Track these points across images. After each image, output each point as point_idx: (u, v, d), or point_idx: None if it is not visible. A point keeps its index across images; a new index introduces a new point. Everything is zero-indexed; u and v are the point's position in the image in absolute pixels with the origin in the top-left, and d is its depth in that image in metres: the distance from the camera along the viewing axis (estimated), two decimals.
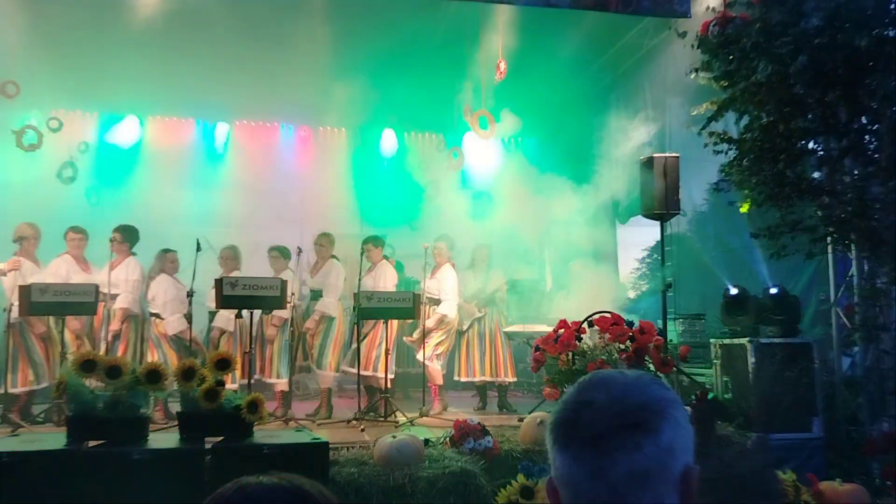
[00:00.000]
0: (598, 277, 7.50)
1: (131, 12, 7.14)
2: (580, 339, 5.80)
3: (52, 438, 4.62)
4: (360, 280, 6.95)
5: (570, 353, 5.77)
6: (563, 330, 5.89)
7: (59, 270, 6.82)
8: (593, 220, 7.82)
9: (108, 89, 8.69)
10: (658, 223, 7.00)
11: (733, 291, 6.81)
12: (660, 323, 6.38)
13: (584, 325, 5.88)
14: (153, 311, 6.94)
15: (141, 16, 7.16)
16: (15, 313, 6.45)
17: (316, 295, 7.22)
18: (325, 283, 7.18)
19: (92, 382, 4.70)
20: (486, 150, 9.79)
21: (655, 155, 6.93)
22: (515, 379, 7.85)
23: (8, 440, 5.04)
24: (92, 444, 4.34)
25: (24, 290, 6.28)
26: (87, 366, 4.52)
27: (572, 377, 5.43)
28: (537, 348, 6.06)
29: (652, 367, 5.51)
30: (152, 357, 6.77)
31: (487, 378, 7.51)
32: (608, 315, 5.85)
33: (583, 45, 7.92)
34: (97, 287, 6.55)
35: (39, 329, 6.68)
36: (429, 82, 7.38)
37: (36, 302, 6.26)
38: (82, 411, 4.44)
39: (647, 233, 9.06)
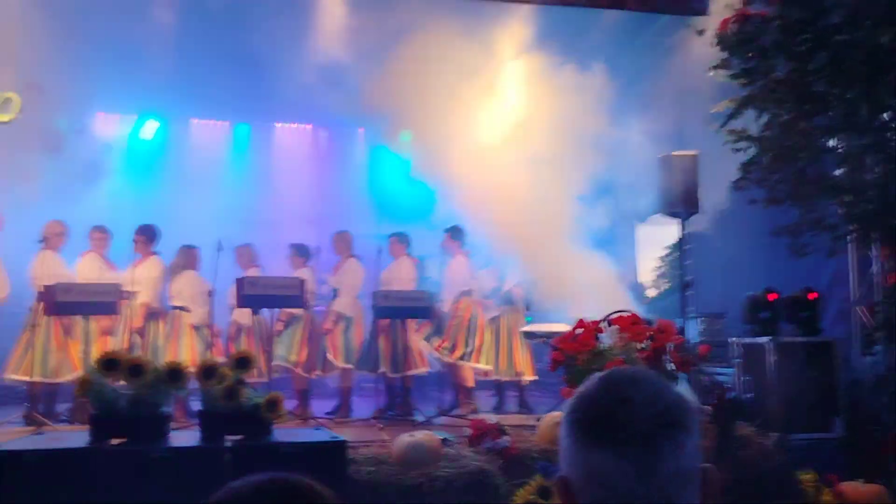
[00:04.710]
0: (617, 276, 7.46)
1: (154, 13, 7.22)
2: (598, 339, 5.78)
3: (75, 437, 4.70)
4: (378, 277, 7.01)
5: (589, 353, 5.75)
6: (581, 329, 5.87)
7: (86, 270, 6.94)
8: (612, 219, 7.78)
9: (132, 91, 8.78)
10: (678, 221, 6.97)
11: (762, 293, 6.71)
12: (679, 322, 6.34)
13: (603, 324, 5.86)
14: (177, 305, 7.03)
15: (165, 16, 7.25)
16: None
17: (337, 294, 7.29)
18: (341, 283, 7.24)
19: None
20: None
21: (674, 153, 6.90)
22: (535, 377, 7.84)
23: (31, 438, 5.13)
24: (114, 442, 4.41)
25: (49, 290, 6.40)
26: (110, 364, 4.58)
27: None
28: (555, 348, 6.04)
29: (671, 367, 5.47)
30: (174, 351, 6.83)
31: (503, 377, 7.51)
32: (627, 314, 5.82)
33: (599, 43, 7.88)
34: (119, 286, 6.65)
35: (65, 322, 6.78)
36: (443, 81, 7.38)
37: (60, 301, 6.36)
38: (104, 410, 4.50)
39: (667, 231, 9.00)
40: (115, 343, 6.80)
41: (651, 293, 9.53)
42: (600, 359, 5.68)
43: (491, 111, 7.90)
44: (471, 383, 7.36)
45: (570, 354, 5.86)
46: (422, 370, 7.21)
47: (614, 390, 1.07)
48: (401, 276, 7.32)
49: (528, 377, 7.57)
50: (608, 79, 7.39)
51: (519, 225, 7.14)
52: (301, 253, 7.42)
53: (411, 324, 7.18)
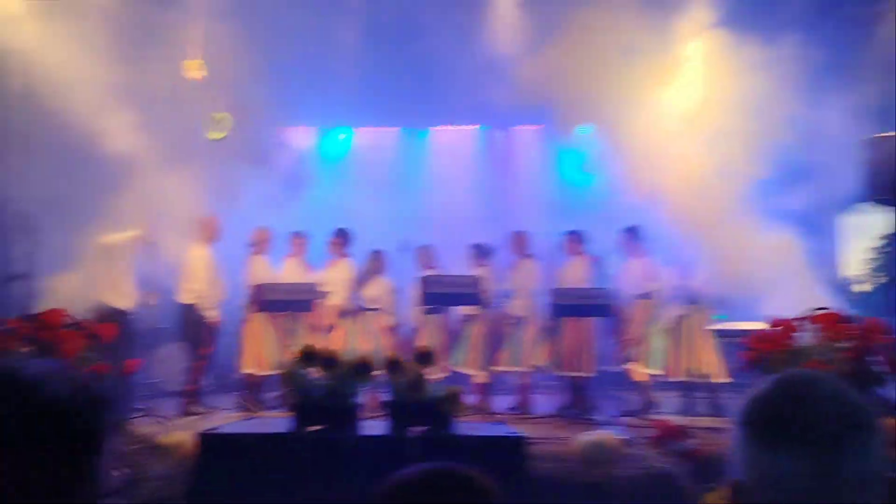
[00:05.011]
0: (814, 269, 6.86)
1: (338, 34, 7.71)
2: (796, 338, 5.37)
3: (280, 423, 5.16)
4: (554, 275, 7.00)
5: (785, 352, 5.37)
6: (776, 327, 5.49)
7: (289, 272, 7.59)
8: (808, 207, 7.16)
9: (322, 105, 9.43)
10: (891, 209, 6.31)
11: None
12: (892, 320, 5.73)
13: (802, 322, 5.43)
14: (372, 307, 7.45)
15: (347, 36, 7.71)
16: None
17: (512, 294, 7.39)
18: (517, 283, 7.32)
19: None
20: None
21: (883, 134, 6.25)
22: (727, 379, 7.41)
23: (241, 423, 5.71)
24: (313, 428, 4.79)
25: (259, 289, 7.13)
26: (308, 357, 5.00)
27: None
28: (748, 347, 5.70)
29: (879, 369, 4.96)
30: (368, 349, 7.26)
31: (686, 378, 7.17)
32: (828, 311, 5.36)
33: (793, 15, 7.28)
34: (316, 286, 7.23)
35: (273, 319, 7.42)
36: (619, 70, 7.15)
37: (267, 300, 7.06)
38: (304, 399, 4.91)
39: (876, 220, 8.16)
40: (317, 339, 7.37)
41: (857, 288, 8.65)
42: (798, 358, 5.29)
43: (671, 97, 7.56)
44: (643, 380, 7.11)
45: (765, 354, 5.50)
46: (588, 373, 7.08)
47: (792, 391, 1.05)
48: (576, 275, 7.25)
49: (718, 378, 7.16)
50: (802, 53, 6.81)
51: (704, 216, 6.78)
52: (480, 252, 7.59)
53: (590, 322, 7.08)
